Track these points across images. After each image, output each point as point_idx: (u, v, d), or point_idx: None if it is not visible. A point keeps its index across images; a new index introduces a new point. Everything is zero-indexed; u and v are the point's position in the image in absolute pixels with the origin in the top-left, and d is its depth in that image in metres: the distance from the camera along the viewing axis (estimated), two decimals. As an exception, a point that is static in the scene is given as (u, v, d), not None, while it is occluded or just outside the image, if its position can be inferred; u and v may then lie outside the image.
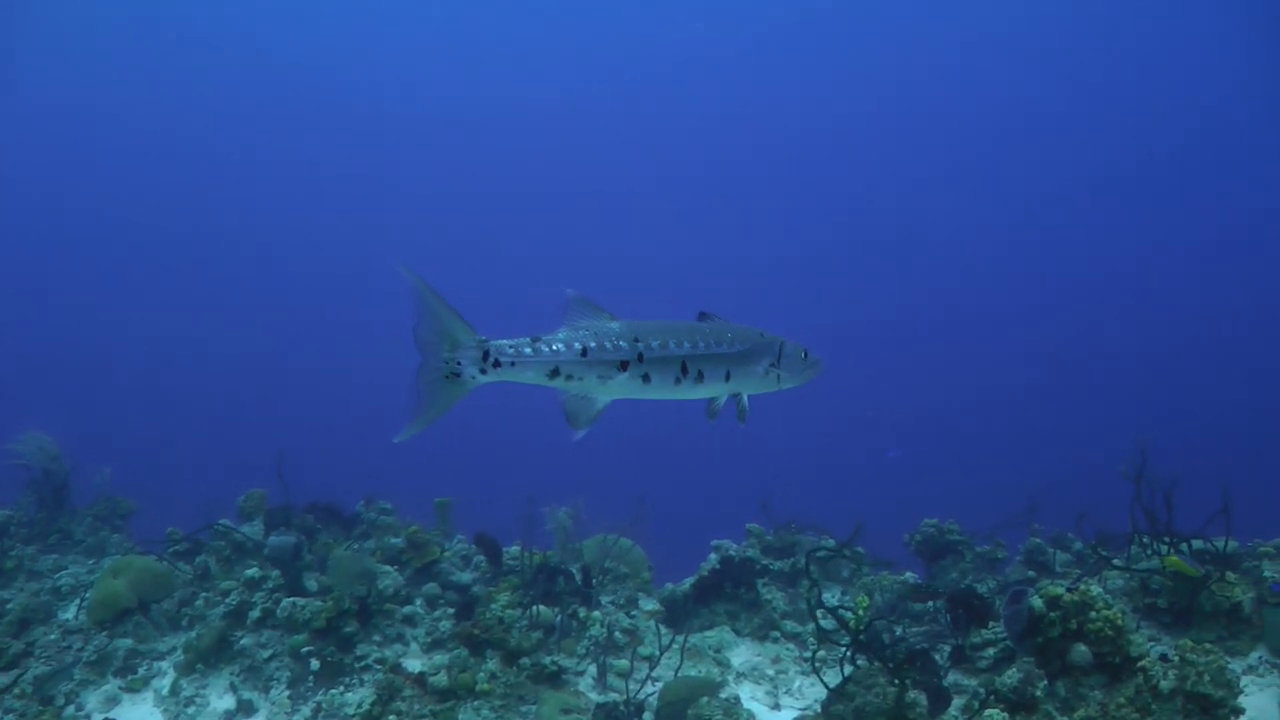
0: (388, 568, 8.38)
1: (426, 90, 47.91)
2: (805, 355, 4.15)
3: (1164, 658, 5.35)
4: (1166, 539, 6.96)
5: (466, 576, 8.79)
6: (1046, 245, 43.91)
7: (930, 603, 8.29)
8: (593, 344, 3.67)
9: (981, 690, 5.92)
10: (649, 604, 8.97)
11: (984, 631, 6.71)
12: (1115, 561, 7.76)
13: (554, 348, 3.64)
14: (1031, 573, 9.03)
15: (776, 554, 9.48)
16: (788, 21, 44.80)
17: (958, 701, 6.15)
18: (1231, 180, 42.42)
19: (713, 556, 9.11)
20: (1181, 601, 6.97)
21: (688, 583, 8.84)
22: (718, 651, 7.91)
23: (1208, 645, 5.27)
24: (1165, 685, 5.15)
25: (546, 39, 47.44)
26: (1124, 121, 42.90)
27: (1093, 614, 5.84)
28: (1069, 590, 6.01)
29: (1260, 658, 6.74)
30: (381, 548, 8.94)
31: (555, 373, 3.64)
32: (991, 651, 6.62)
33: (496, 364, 3.58)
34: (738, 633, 8.34)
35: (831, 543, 9.66)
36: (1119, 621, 5.81)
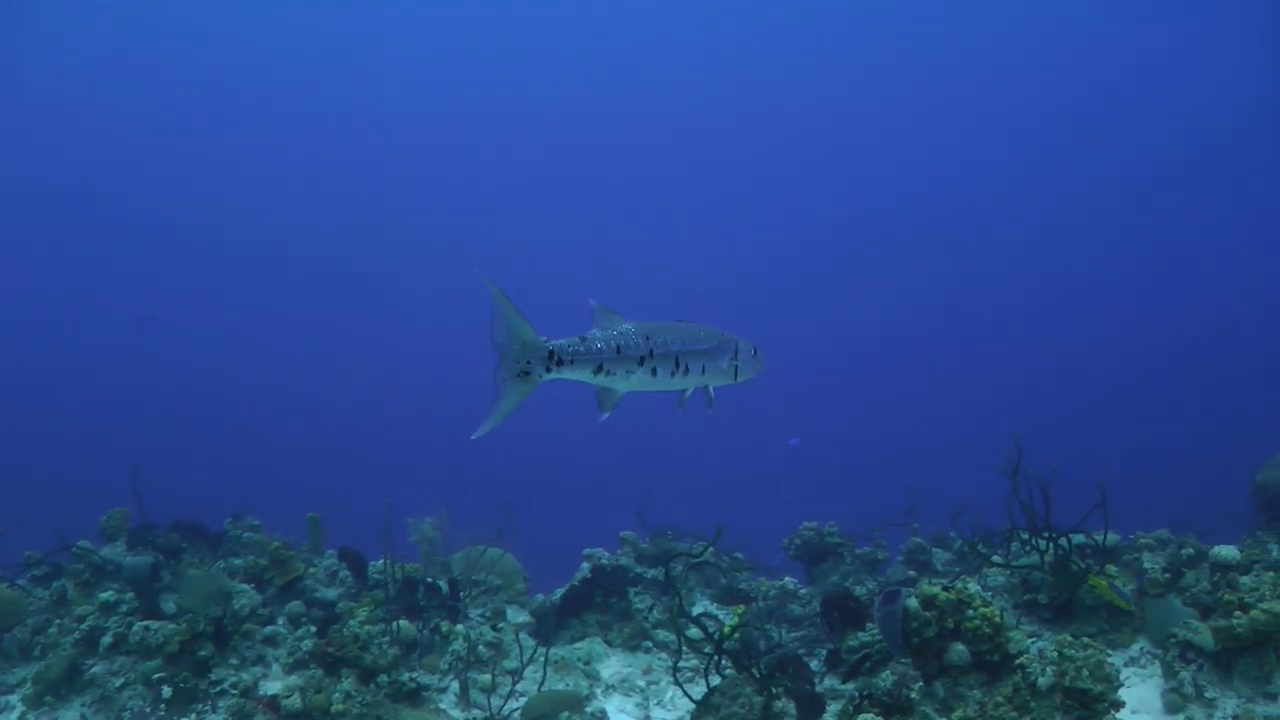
0: (244, 586, 7.88)
1: (426, 84, 47.20)
2: (755, 352, 4.65)
3: (1042, 654, 5.09)
4: (1046, 534, 6.74)
5: (332, 593, 8.33)
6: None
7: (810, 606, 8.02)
8: (622, 343, 4.06)
9: (856, 694, 5.61)
10: (520, 616, 8.57)
11: (860, 634, 6.41)
12: (994, 558, 7.56)
13: (598, 347, 4.00)
14: (912, 573, 8.82)
15: (651, 562, 9.12)
16: (789, 20, 44.73)
17: (833, 707, 5.84)
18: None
19: (585, 565, 8.75)
20: (1062, 596, 6.78)
21: (559, 593, 8.47)
22: (587, 664, 7.51)
23: (1086, 640, 5.04)
24: (1043, 682, 4.90)
25: (547, 35, 47.01)
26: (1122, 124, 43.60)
27: (970, 612, 5.58)
28: (945, 589, 5.75)
29: (1142, 649, 6.59)
30: (247, 565, 8.39)
31: (599, 369, 4.01)
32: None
33: (560, 362, 3.92)
34: (609, 643, 7.97)
35: (709, 550, 9.37)
36: (997, 619, 5.55)
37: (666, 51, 46.60)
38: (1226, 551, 6.62)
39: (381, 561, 8.47)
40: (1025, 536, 7.07)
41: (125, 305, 42.12)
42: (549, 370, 3.91)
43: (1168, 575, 6.83)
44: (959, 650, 5.49)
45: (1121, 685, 4.99)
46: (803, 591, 8.77)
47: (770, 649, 6.82)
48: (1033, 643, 6.69)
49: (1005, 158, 44.89)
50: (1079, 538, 7.22)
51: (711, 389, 4.49)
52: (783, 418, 31.51)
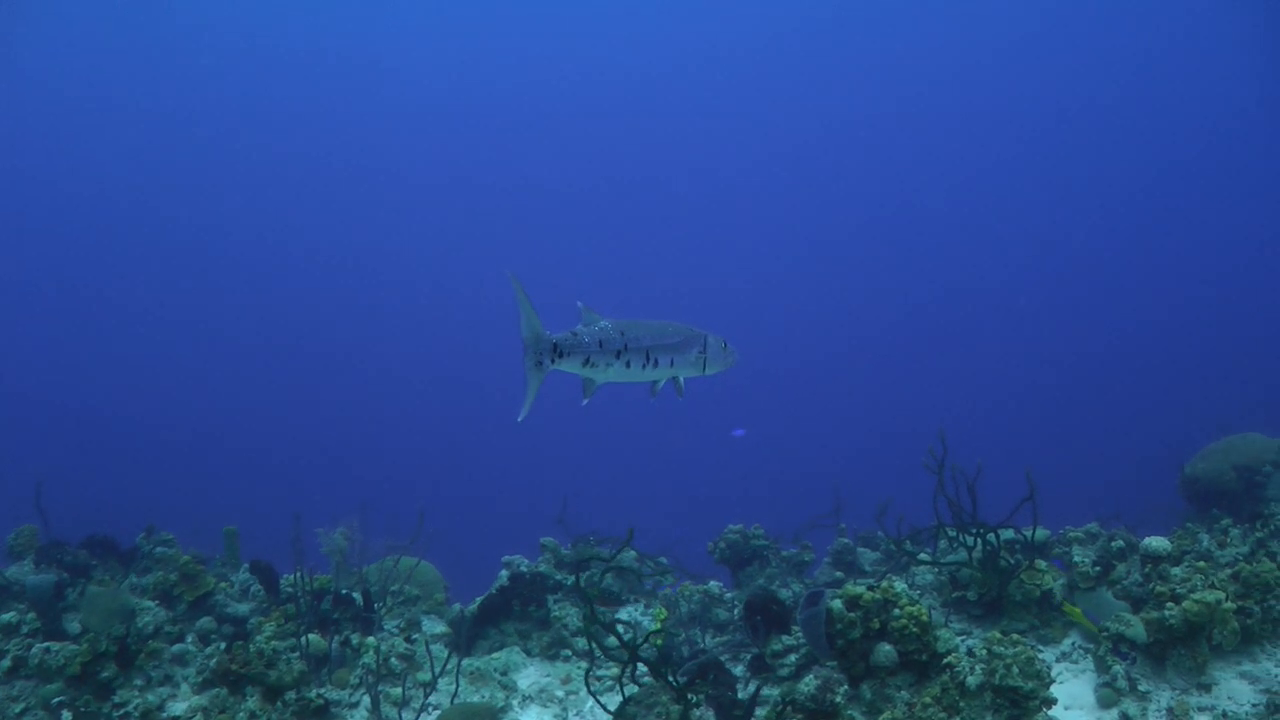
0: (149, 603, 7.51)
1: (428, 84, 46.69)
2: (725, 346, 4.88)
3: (971, 652, 4.87)
4: (974, 530, 6.54)
5: (244, 608, 7.97)
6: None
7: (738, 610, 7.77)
8: (603, 338, 4.43)
9: (780, 701, 5.36)
10: (438, 627, 8.23)
11: (784, 638, 6.15)
12: (921, 556, 7.36)
13: (585, 341, 4.39)
14: (839, 574, 8.62)
15: (571, 568, 8.81)
16: (792, 23, 44.51)
17: (759, 713, 5.58)
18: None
19: (503, 573, 8.44)
20: (991, 592, 6.58)
21: (478, 602, 8.15)
22: (504, 674, 7.18)
23: (1015, 636, 4.82)
24: (973, 681, 4.67)
25: (549, 34, 46.54)
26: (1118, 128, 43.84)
27: (896, 611, 5.37)
28: (871, 589, 5.53)
29: (1073, 644, 6.40)
30: (156, 582, 7.99)
31: (586, 361, 4.40)
32: (793, 658, 6.07)
33: (560, 354, 4.32)
34: (528, 653, 7.65)
35: (632, 554, 9.13)
36: (924, 617, 5.34)
37: (668, 54, 46.55)
38: (1157, 543, 6.46)
39: (295, 574, 8.13)
40: (952, 533, 6.87)
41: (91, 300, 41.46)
42: (553, 362, 4.33)
43: (1098, 568, 6.65)
44: (885, 651, 5.27)
45: (1053, 681, 4.79)
46: (728, 595, 8.52)
47: (693, 655, 6.54)
48: (962, 640, 6.50)
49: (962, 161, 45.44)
50: (1008, 533, 7.04)
51: (681, 380, 4.79)
52: (713, 421, 31.40)
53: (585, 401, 4.57)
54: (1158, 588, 6.07)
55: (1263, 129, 40.46)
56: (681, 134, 47.32)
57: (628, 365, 4.52)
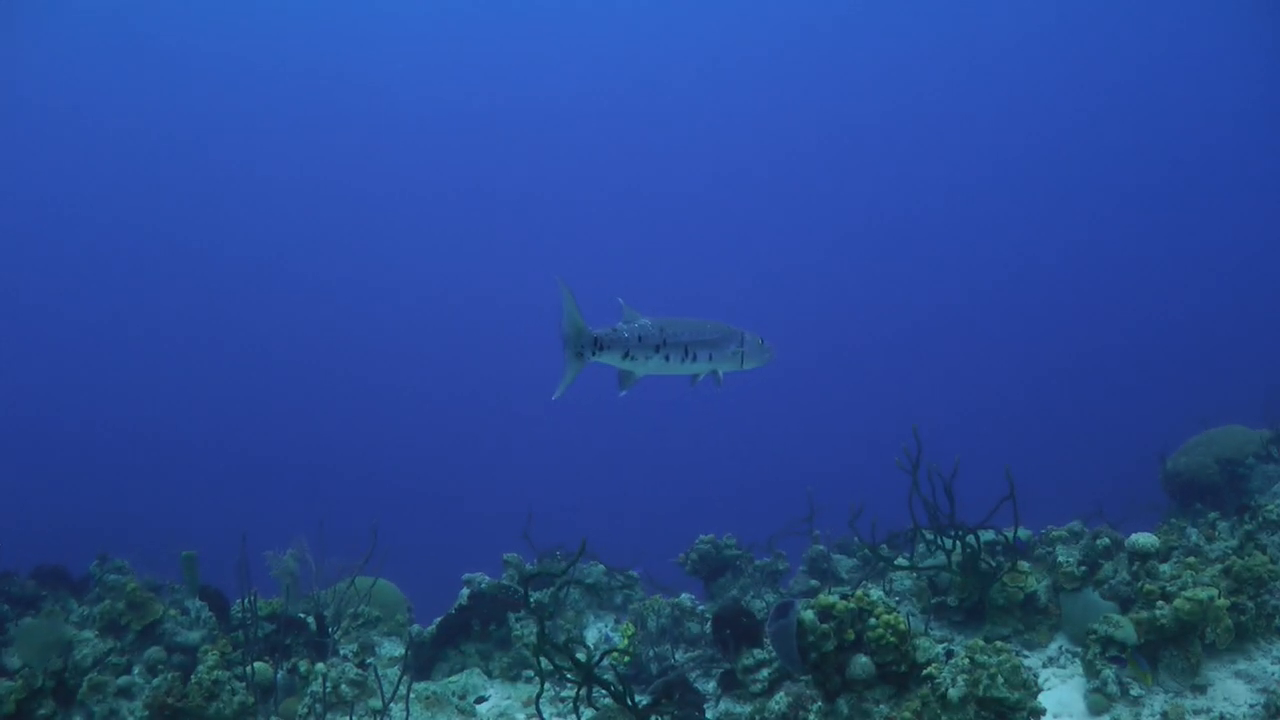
0: (87, 634, 7.10)
1: (429, 93, 46.35)
2: (762, 342, 5.19)
3: (949, 653, 4.55)
4: (952, 532, 6.21)
5: (195, 636, 7.52)
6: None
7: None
8: (642, 334, 4.74)
9: (752, 718, 5.03)
10: (398, 650, 7.85)
11: (756, 651, 5.81)
12: (899, 561, 7.04)
13: (625, 336, 4.71)
14: (815, 582, 8.28)
15: (537, 585, 8.44)
16: (796, 26, 44.30)
17: (728, 735, 5.25)
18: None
19: (464, 591, 8.06)
20: (972, 597, 6.25)
21: (437, 623, 7.79)
22: (462, 697, 6.81)
23: (999, 644, 4.50)
24: (955, 693, 4.35)
25: (551, 42, 46.17)
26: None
27: (872, 620, 5.05)
28: (844, 597, 5.20)
29: (1061, 648, 6.10)
30: (103, 611, 7.60)
31: (626, 354, 4.71)
32: (765, 673, 5.72)
33: (601, 347, 4.64)
34: (489, 674, 7.28)
35: (601, 568, 8.80)
36: (901, 626, 5.02)
37: (671, 57, 46.31)
38: (1144, 540, 6.15)
39: (249, 598, 7.77)
40: (930, 536, 6.56)
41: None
42: (594, 354, 4.66)
43: (1084, 568, 6.33)
44: (862, 663, 4.94)
45: (1040, 690, 4.47)
46: (700, 608, 8.16)
47: (661, 672, 6.19)
48: (943, 648, 6.17)
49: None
50: (988, 534, 6.72)
51: (720, 373, 5.10)
52: (687, 429, 31.15)
53: (623, 393, 4.93)
54: (1147, 586, 5.77)
55: (1247, 128, 40.65)
56: (675, 139, 47.38)
57: (666, 359, 4.84)
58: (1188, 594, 5.46)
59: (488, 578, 8.45)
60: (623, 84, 47.06)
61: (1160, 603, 5.57)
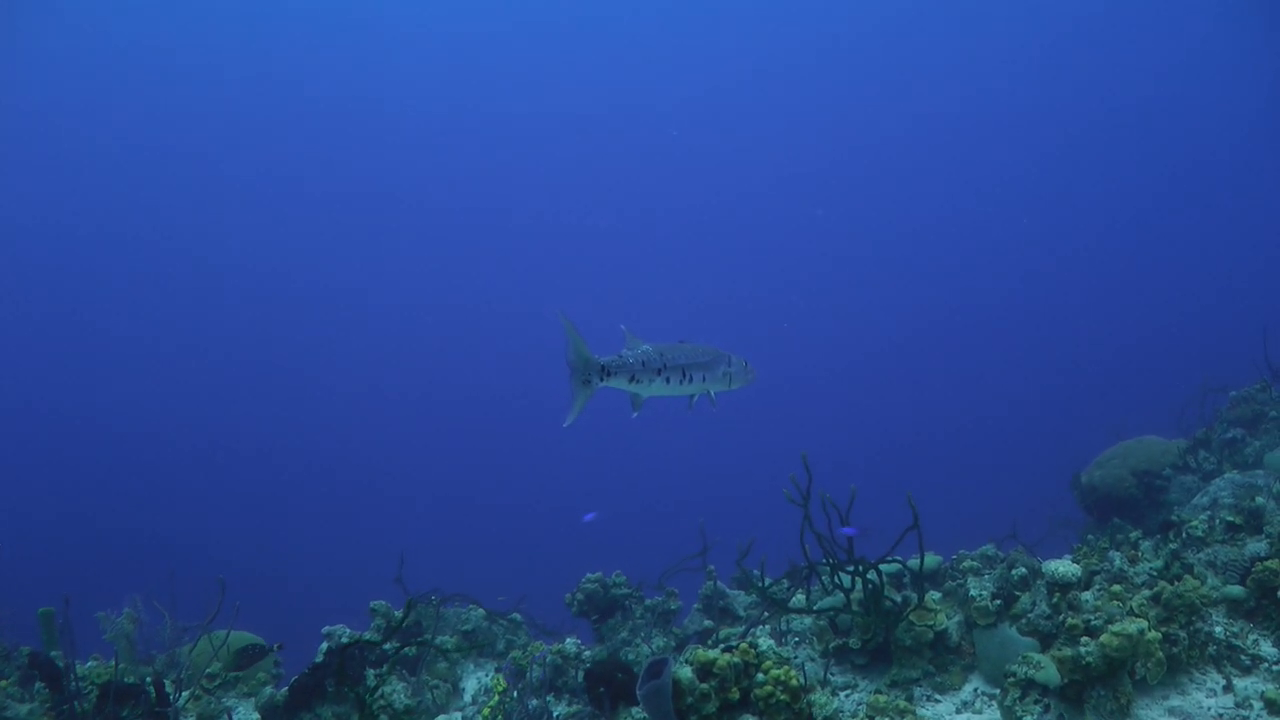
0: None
1: (430, 102, 45.65)
2: (746, 365, 5.42)
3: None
4: (851, 568, 5.53)
5: (24, 709, 6.63)
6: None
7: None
8: (645, 359, 4.90)
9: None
10: (252, 715, 7.00)
11: (635, 710, 5.07)
12: (795, 601, 6.36)
13: (629, 361, 4.86)
14: (709, 622, 7.55)
15: (405, 635, 7.63)
16: (799, 29, 43.94)
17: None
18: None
19: (322, 646, 7.24)
20: (877, 638, 5.57)
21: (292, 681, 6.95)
22: (308, 777, 5.98)
23: (901, 704, 3.81)
24: (852, 770, 3.64)
25: (552, 53, 45.57)
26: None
27: (760, 676, 4.37)
28: (727, 649, 4.49)
29: (976, 690, 5.47)
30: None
31: (632, 378, 4.85)
32: (643, 737, 4.98)
33: (607, 374, 4.76)
34: (343, 743, 6.45)
35: (480, 613, 8.05)
36: (794, 682, 4.33)
37: (671, 69, 46.06)
38: (1064, 569, 5.52)
39: (93, 661, 6.97)
40: (825, 574, 5.89)
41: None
42: (601, 380, 4.76)
43: (999, 601, 5.67)
44: (747, 727, 4.23)
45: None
46: (586, 654, 7.41)
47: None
48: (846, 696, 5.49)
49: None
50: (892, 566, 6.05)
51: (713, 393, 5.32)
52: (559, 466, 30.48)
53: (635, 414, 5.06)
54: (1069, 620, 5.16)
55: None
56: (670, 149, 47.20)
57: (667, 381, 5.01)
58: (1116, 628, 4.83)
59: (349, 630, 7.65)
60: (625, 94, 46.91)
61: (1085, 638, 4.95)
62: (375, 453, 35.51)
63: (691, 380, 5.16)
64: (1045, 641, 5.37)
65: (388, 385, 39.97)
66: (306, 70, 43.36)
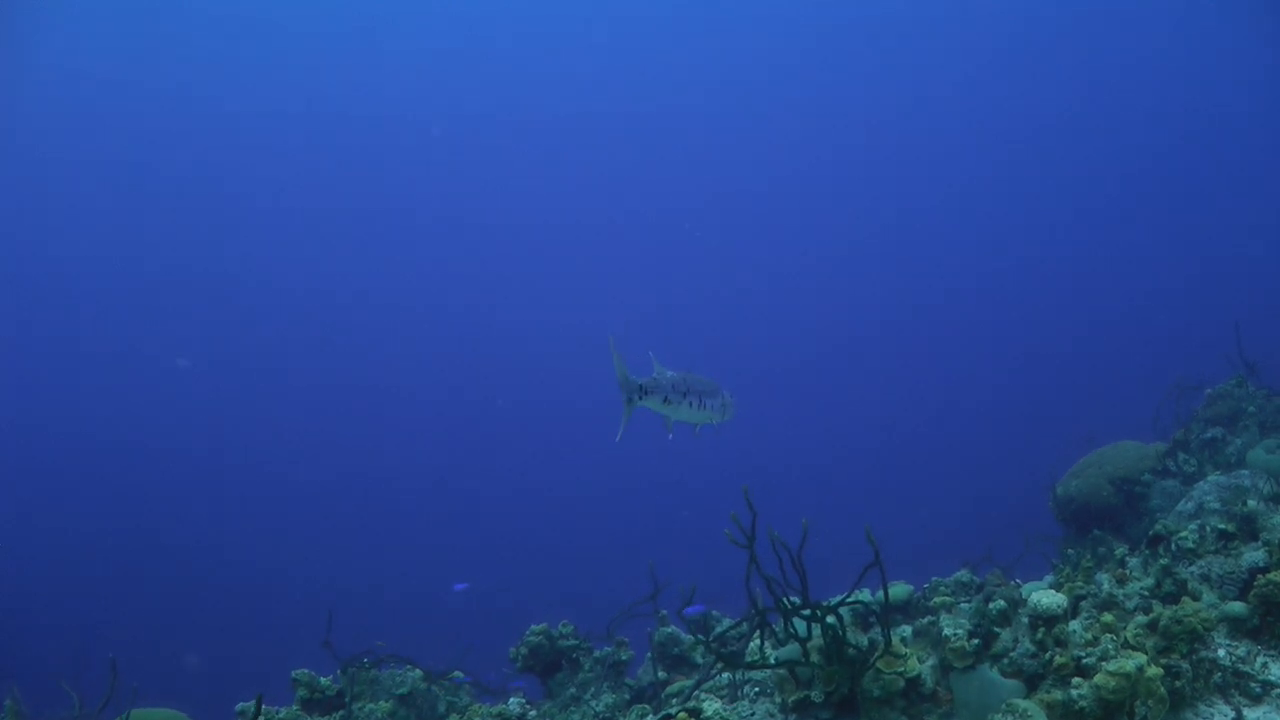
0: None
1: (431, 107, 44.64)
2: (730, 397, 5.63)
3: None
4: (807, 611, 4.88)
5: None
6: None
7: None
8: (674, 383, 5.11)
9: None
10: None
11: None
12: (750, 654, 5.72)
13: (663, 384, 5.04)
14: (664, 673, 6.89)
15: (324, 708, 6.92)
16: (799, 28, 43.32)
17: None
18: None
19: (239, 729, 6.54)
20: (840, 689, 4.92)
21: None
22: None
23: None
24: None
25: (553, 56, 44.83)
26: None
27: (703, 749, 3.69)
28: (667, 718, 3.85)
29: (957, 744, 4.81)
30: None
31: (665, 400, 5.04)
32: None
33: (645, 392, 4.93)
34: (254, 844, 5.75)
35: (417, 674, 7.39)
36: (742, 754, 3.67)
37: (669, 63, 45.34)
38: (1047, 600, 4.88)
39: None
40: (773, 621, 5.29)
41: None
42: (640, 399, 4.88)
43: (976, 641, 5.03)
44: (691, 814, 3.58)
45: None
46: (532, 714, 6.74)
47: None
48: (814, 759, 4.85)
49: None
50: (862, 596, 5.43)
51: (715, 423, 5.52)
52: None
53: (670, 436, 5.29)
54: (1057, 658, 4.56)
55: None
56: (668, 152, 46.43)
57: (690, 405, 5.18)
58: (1111, 667, 4.23)
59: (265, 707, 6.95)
60: (625, 91, 46.22)
61: (1077, 679, 4.35)
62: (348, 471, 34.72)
63: (704, 407, 5.33)
64: (1031, 683, 4.75)
65: (393, 395, 39.27)
66: (307, 70, 42.97)
